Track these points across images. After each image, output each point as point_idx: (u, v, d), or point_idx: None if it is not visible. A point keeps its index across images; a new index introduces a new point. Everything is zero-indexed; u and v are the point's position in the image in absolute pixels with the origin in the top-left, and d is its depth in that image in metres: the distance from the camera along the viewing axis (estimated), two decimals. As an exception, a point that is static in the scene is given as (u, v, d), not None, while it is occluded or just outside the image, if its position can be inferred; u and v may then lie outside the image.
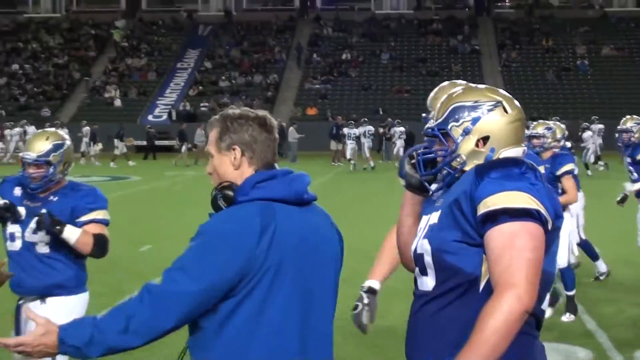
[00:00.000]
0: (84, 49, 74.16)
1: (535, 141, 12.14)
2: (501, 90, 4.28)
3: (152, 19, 78.12)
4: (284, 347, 4.09)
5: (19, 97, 67.40)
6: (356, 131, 48.16)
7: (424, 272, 4.08)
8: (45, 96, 67.50)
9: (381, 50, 70.51)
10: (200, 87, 67.79)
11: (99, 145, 53.89)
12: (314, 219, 4.28)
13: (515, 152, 4.12)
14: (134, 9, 79.69)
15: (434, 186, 4.38)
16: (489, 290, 3.85)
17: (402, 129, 51.21)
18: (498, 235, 3.78)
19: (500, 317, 3.66)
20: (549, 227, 3.90)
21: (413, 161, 4.35)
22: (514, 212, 3.78)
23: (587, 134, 47.35)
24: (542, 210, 3.84)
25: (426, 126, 4.50)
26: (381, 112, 59.61)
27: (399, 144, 50.26)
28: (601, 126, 48.71)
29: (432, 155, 4.20)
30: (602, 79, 63.98)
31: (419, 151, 4.35)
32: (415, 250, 4.14)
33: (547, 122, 13.43)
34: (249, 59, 70.92)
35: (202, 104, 64.56)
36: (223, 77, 68.72)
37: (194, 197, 30.05)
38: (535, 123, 12.74)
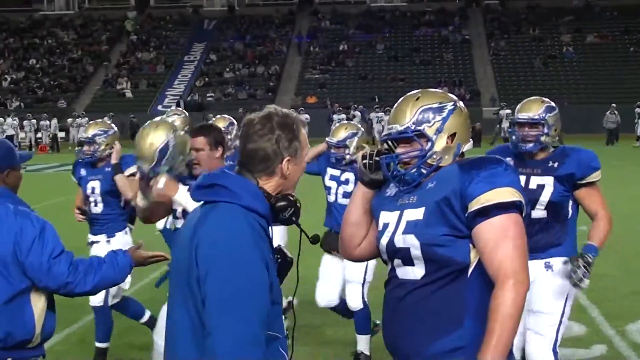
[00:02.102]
0: (96, 44, 73.80)
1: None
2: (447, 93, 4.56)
3: (160, 14, 77.80)
4: None
5: (36, 90, 67.14)
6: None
7: (408, 263, 4.20)
8: (61, 89, 67.32)
9: (376, 41, 70.20)
10: (206, 79, 67.84)
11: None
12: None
13: (469, 145, 4.42)
14: (143, 6, 79.49)
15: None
16: (477, 273, 4.07)
17: (380, 114, 52.75)
18: (490, 228, 3.99)
19: (511, 304, 3.90)
20: (524, 213, 4.15)
21: (365, 161, 4.51)
22: (504, 206, 4.00)
23: None
24: (523, 200, 4.10)
25: (391, 131, 4.40)
26: (377, 100, 59.42)
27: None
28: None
29: (410, 155, 4.28)
30: (587, 65, 63.94)
31: (381, 155, 4.44)
32: (393, 244, 4.22)
33: None
34: (252, 51, 70.66)
35: (208, 94, 64.78)
36: (227, 69, 68.66)
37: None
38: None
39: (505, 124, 47.87)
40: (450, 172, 4.19)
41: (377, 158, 4.47)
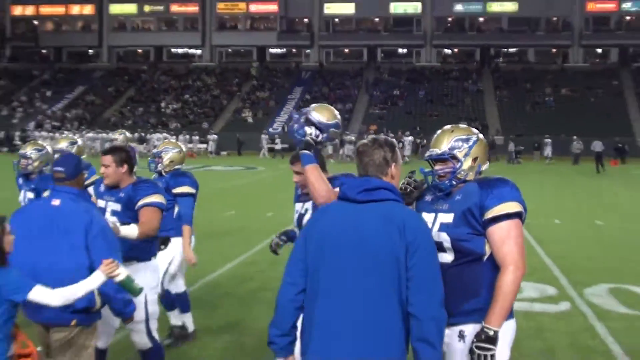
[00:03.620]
0: (229, 86, 73.74)
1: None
2: (472, 128, 4.33)
3: (273, 66, 77.19)
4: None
5: (188, 115, 67.74)
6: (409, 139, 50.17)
7: (442, 251, 4.06)
8: (205, 115, 67.84)
9: (419, 89, 69.14)
10: None
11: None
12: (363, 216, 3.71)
13: (486, 165, 4.25)
14: (262, 60, 79.01)
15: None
16: (490, 260, 4.02)
17: (410, 138, 52.16)
18: (499, 230, 3.98)
19: (511, 282, 3.92)
20: (523, 220, 4.09)
21: (406, 186, 4.42)
22: (510, 215, 3.98)
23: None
24: (523, 211, 4.06)
25: (432, 153, 4.20)
26: (418, 129, 58.26)
27: (407, 147, 50.60)
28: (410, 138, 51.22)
29: (445, 171, 4.13)
30: (561, 110, 62.23)
31: (413, 177, 4.45)
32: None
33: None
34: (334, 93, 69.56)
35: None
36: None
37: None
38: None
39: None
40: (472, 189, 4.10)
41: (411, 187, 4.41)
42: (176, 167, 8.01)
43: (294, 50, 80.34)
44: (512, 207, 4.06)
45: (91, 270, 4.77)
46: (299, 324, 3.87)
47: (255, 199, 23.58)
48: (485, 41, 75.31)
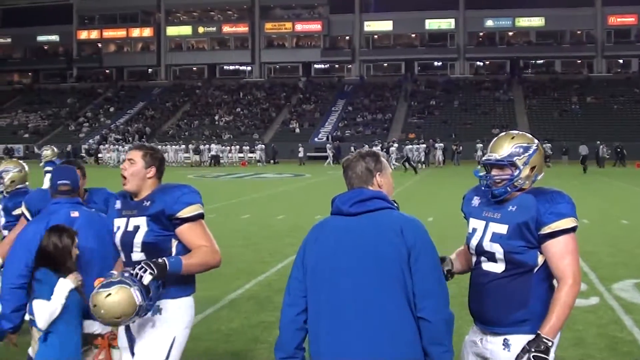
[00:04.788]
0: (277, 99, 74.38)
1: None
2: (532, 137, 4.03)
3: (318, 81, 78.05)
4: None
5: (240, 127, 68.36)
6: (423, 146, 49.25)
7: (492, 261, 3.85)
8: (255, 127, 68.27)
9: (454, 99, 69.31)
10: (345, 122, 67.53)
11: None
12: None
13: (542, 176, 3.98)
14: (307, 75, 79.69)
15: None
16: (541, 271, 3.79)
17: (441, 145, 52.12)
18: (557, 244, 3.74)
19: (570, 296, 3.70)
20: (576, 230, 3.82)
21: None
22: (567, 230, 3.75)
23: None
24: (577, 224, 3.81)
25: (490, 158, 3.88)
26: (453, 136, 58.24)
27: (439, 153, 51.28)
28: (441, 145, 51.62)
29: (502, 177, 3.85)
30: (587, 117, 62.36)
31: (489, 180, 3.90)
32: (482, 246, 3.86)
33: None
34: (374, 104, 70.14)
35: (346, 131, 64.82)
36: (359, 116, 68.40)
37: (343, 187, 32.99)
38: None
39: None
40: (529, 202, 3.80)
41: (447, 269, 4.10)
42: (18, 186, 7.24)
43: (336, 65, 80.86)
44: (570, 222, 3.77)
45: None
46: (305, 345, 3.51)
47: (304, 203, 23.57)
48: (514, 53, 75.83)
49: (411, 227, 3.40)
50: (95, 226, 4.77)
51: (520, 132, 4.06)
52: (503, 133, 4.08)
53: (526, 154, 3.91)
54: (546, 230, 3.74)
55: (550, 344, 3.67)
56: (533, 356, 3.64)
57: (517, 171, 3.88)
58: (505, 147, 3.91)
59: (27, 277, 4.47)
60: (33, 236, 4.58)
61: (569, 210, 3.78)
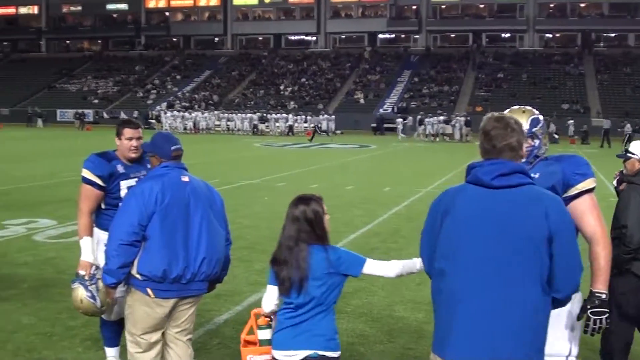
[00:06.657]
0: (342, 69, 74.65)
1: None
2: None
3: (384, 51, 77.54)
4: None
5: (304, 97, 68.99)
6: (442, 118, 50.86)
7: None
8: (320, 97, 68.77)
9: (522, 72, 68.47)
10: (411, 93, 67.16)
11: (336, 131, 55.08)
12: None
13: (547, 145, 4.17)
14: (373, 44, 79.53)
15: None
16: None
17: (463, 118, 51.67)
18: (584, 202, 3.94)
19: (607, 249, 3.87)
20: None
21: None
22: (590, 190, 3.97)
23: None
24: (596, 184, 4.02)
25: None
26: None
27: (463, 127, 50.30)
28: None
29: (527, 148, 3.97)
30: None
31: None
32: None
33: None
34: (440, 76, 69.83)
35: (412, 103, 64.05)
36: (425, 87, 67.98)
37: (411, 158, 31.74)
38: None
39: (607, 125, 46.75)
40: (553, 167, 4.02)
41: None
42: None
43: (402, 35, 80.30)
44: (592, 182, 4.04)
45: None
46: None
47: (371, 174, 23.53)
48: (586, 26, 73.75)
49: (556, 209, 3.29)
50: (202, 192, 4.81)
51: (524, 106, 4.34)
52: (515, 107, 4.34)
53: (540, 125, 4.20)
54: (574, 191, 3.99)
55: (604, 296, 3.87)
56: (591, 312, 3.88)
57: (537, 141, 4.17)
58: (525, 120, 4.11)
59: (139, 235, 4.47)
60: (149, 195, 4.54)
61: (590, 171, 4.06)
